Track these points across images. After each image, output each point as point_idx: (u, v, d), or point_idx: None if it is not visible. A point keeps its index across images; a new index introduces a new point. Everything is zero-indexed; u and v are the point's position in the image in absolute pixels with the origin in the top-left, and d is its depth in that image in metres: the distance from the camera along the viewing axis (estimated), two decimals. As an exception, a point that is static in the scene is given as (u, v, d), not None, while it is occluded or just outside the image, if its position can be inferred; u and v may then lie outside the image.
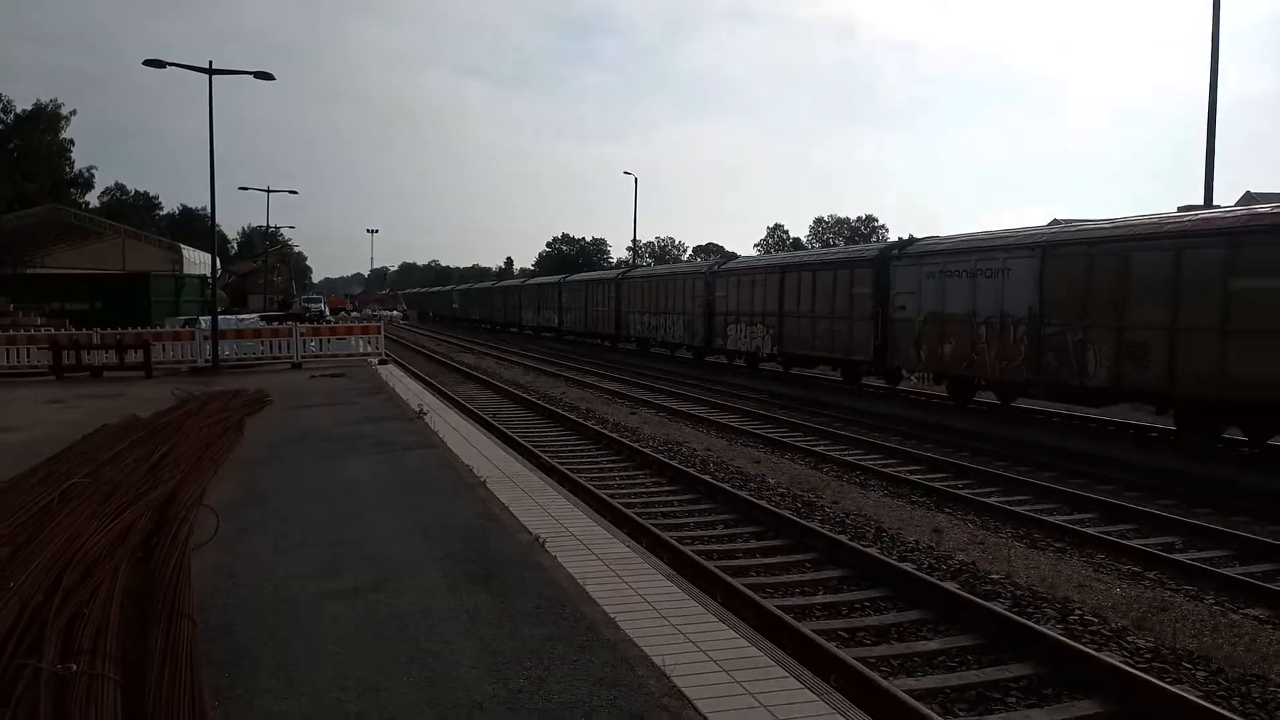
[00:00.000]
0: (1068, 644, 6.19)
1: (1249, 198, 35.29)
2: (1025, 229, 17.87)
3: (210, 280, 30.92)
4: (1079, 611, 7.20)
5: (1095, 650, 6.19)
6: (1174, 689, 5.51)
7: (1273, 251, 12.68)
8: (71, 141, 69.68)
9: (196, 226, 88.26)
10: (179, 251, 55.07)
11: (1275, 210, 13.15)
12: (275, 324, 27.84)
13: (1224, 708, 5.37)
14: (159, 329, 25.52)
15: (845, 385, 23.97)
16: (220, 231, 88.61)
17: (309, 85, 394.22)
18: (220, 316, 25.69)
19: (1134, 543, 9.27)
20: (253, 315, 36.67)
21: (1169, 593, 7.86)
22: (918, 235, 21.69)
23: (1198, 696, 5.50)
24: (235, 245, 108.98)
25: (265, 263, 62.31)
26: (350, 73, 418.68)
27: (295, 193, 67.20)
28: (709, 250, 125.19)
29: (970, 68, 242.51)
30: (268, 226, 69.96)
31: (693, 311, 32.25)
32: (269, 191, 54.08)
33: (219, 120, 22.22)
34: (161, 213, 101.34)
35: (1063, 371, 15.93)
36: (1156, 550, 8.99)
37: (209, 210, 24.07)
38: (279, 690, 4.20)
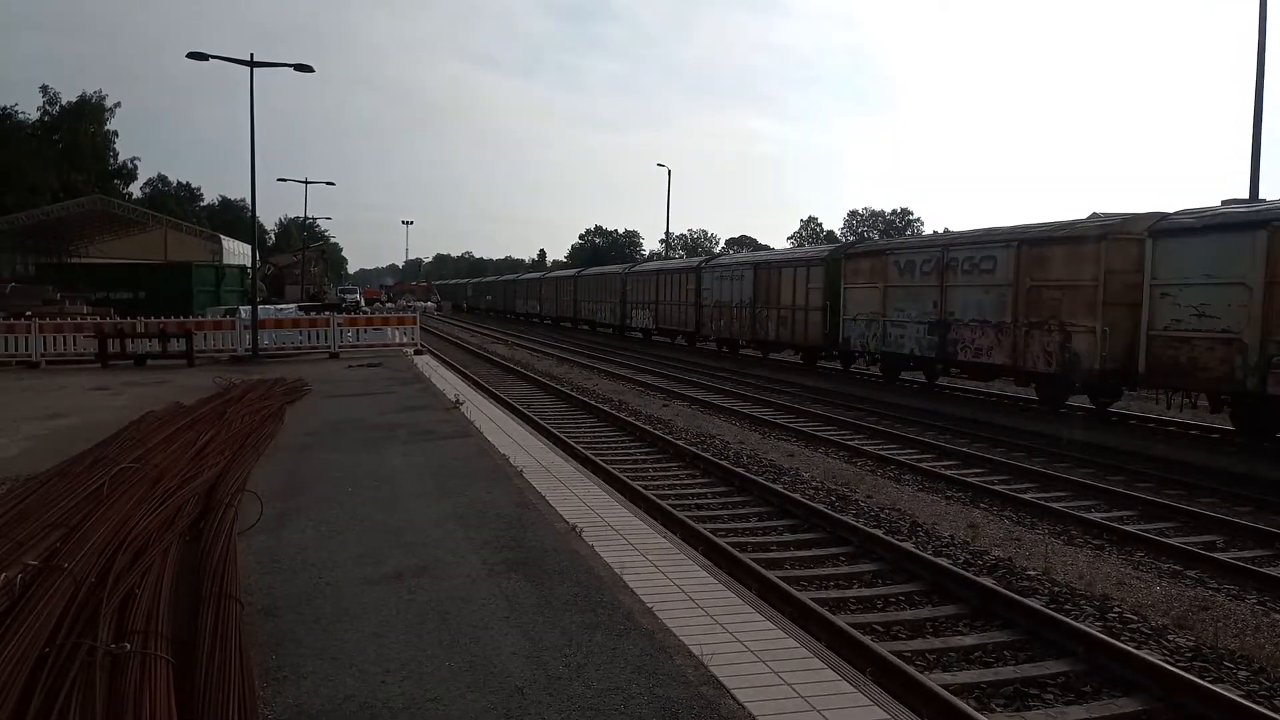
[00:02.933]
0: (1107, 641, 6.15)
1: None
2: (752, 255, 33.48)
3: (250, 270, 31.37)
4: (1118, 609, 7.14)
5: (1135, 648, 6.15)
6: (1215, 688, 5.45)
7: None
8: (115, 133, 70.96)
9: (236, 216, 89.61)
10: (219, 242, 55.98)
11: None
12: (313, 314, 28.18)
13: (1266, 707, 5.31)
14: (201, 318, 25.95)
15: (804, 366, 27.88)
16: (259, 222, 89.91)
17: (339, 76, 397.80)
18: (260, 306, 26.07)
19: (1174, 540, 9.15)
20: (290, 305, 37.14)
21: (1210, 591, 7.76)
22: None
23: (1239, 696, 5.44)
24: (273, 236, 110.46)
25: (304, 255, 63.15)
26: (377, 62, 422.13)
27: (333, 184, 67.54)
28: (741, 243, 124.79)
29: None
30: (305, 218, 71.09)
31: (682, 304, 36.31)
32: (307, 183, 54.54)
33: (261, 111, 22.56)
34: (202, 203, 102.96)
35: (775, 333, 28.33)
36: (1198, 549, 8.87)
37: (249, 201, 24.43)
38: (325, 672, 4.30)
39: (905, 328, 21.23)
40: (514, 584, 5.59)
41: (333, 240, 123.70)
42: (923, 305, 20.59)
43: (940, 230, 24.21)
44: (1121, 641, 6.27)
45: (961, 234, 21.07)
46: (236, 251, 56.48)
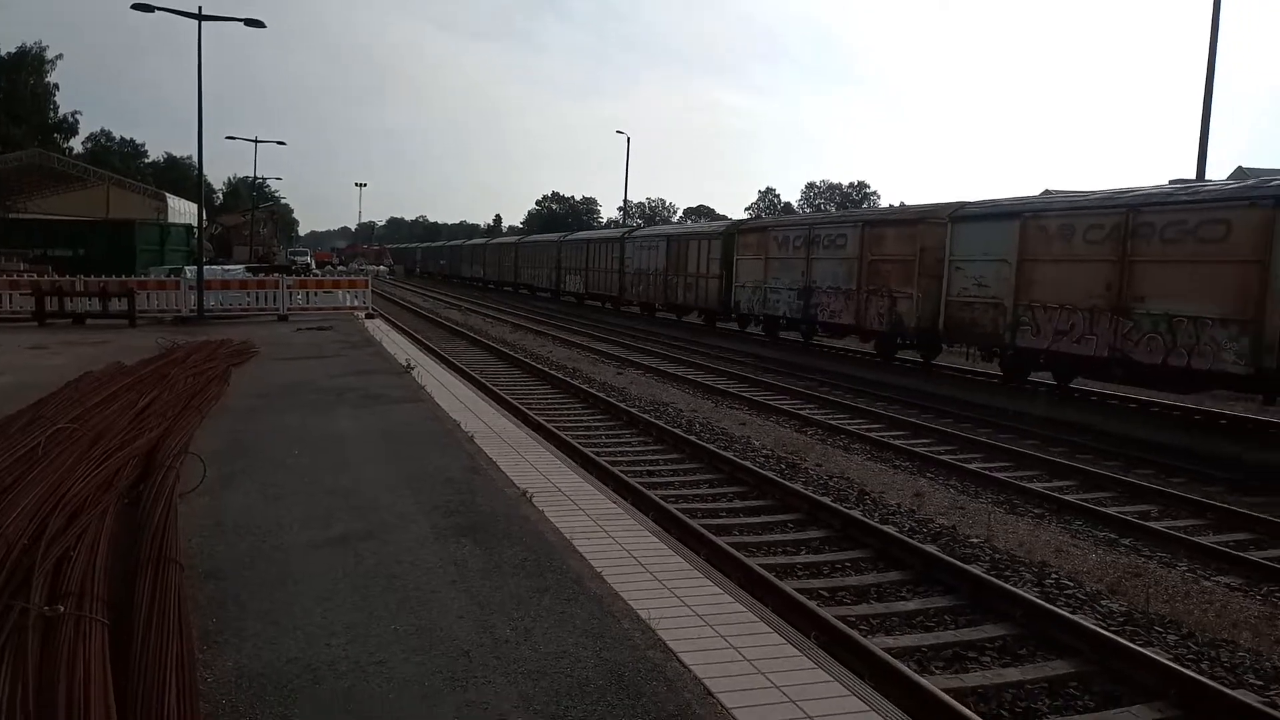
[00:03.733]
0: (1043, 606, 6.32)
1: (1241, 173, 35.34)
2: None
3: (196, 230, 30.59)
4: (1055, 575, 7.34)
5: (1070, 613, 6.32)
6: (1145, 651, 5.63)
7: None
8: (56, 86, 68.29)
9: (182, 175, 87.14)
10: (164, 200, 54.35)
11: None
12: (262, 276, 27.61)
13: (1193, 670, 5.51)
14: (144, 277, 25.26)
15: (706, 327, 30.82)
16: (206, 181, 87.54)
17: (292, 33, 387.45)
18: (206, 267, 25.47)
19: (1111, 510, 9.41)
20: (238, 266, 36.32)
21: (1143, 559, 8.01)
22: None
23: (1168, 659, 5.63)
24: (221, 195, 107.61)
25: (253, 216, 61.69)
26: (331, 20, 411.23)
27: (284, 144, 66.28)
28: (699, 213, 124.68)
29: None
30: (255, 178, 69.29)
31: (609, 270, 38.91)
32: (257, 142, 53.26)
33: (207, 68, 21.85)
34: (147, 160, 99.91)
35: (683, 298, 31.56)
36: (1132, 518, 9.13)
37: (196, 159, 23.75)
38: (268, 635, 4.24)
39: (780, 294, 24.64)
40: (463, 548, 5.56)
41: (283, 201, 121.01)
42: (793, 275, 23.86)
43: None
44: (1057, 607, 6.45)
45: (824, 215, 27.95)
46: (182, 210, 54.88)
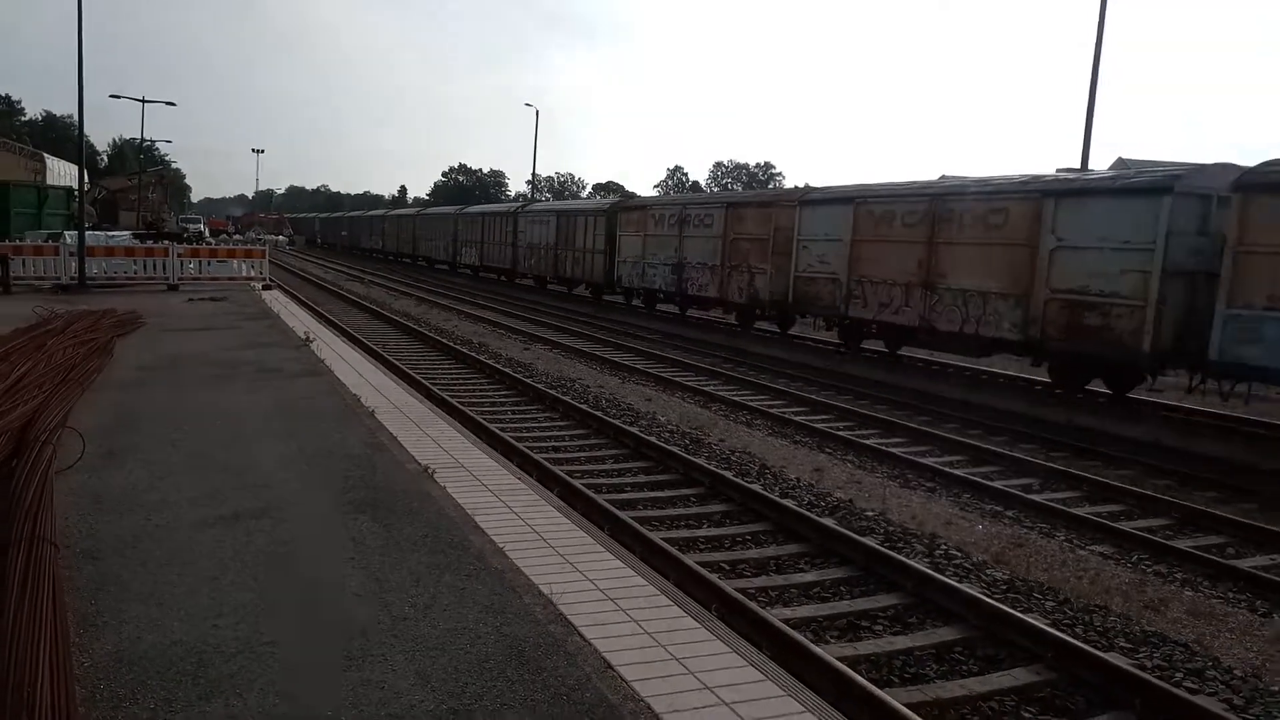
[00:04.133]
0: (932, 575, 6.57)
1: (1121, 163, 37.11)
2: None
3: (77, 193, 28.94)
4: (944, 546, 7.63)
5: (957, 582, 6.59)
6: (1025, 617, 5.92)
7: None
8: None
9: (63, 135, 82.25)
10: (42, 161, 51.19)
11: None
12: (150, 244, 26.32)
13: (1068, 634, 5.81)
14: (19, 242, 23.80)
15: (593, 299, 32.59)
16: (89, 142, 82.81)
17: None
18: (89, 232, 24.15)
19: (997, 484, 9.83)
20: (124, 233, 34.53)
21: (1025, 530, 8.40)
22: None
23: (1045, 624, 5.92)
24: (105, 158, 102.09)
25: (140, 179, 58.61)
26: None
27: (173, 104, 62.82)
28: (609, 189, 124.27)
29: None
30: (142, 139, 65.78)
31: (503, 244, 40.18)
32: (144, 102, 50.40)
33: (90, 21, 20.57)
34: (23, 119, 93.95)
35: (571, 271, 33.10)
36: (1016, 491, 9.56)
37: (77, 118, 22.37)
38: (150, 617, 4.08)
39: (657, 269, 26.56)
40: (361, 525, 5.44)
41: (174, 166, 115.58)
42: (668, 251, 25.80)
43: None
44: (945, 576, 6.71)
45: (695, 196, 31.40)
46: (63, 173, 51.82)
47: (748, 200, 24.16)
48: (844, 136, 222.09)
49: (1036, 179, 15.10)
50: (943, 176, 18.19)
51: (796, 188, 21.16)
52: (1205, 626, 6.37)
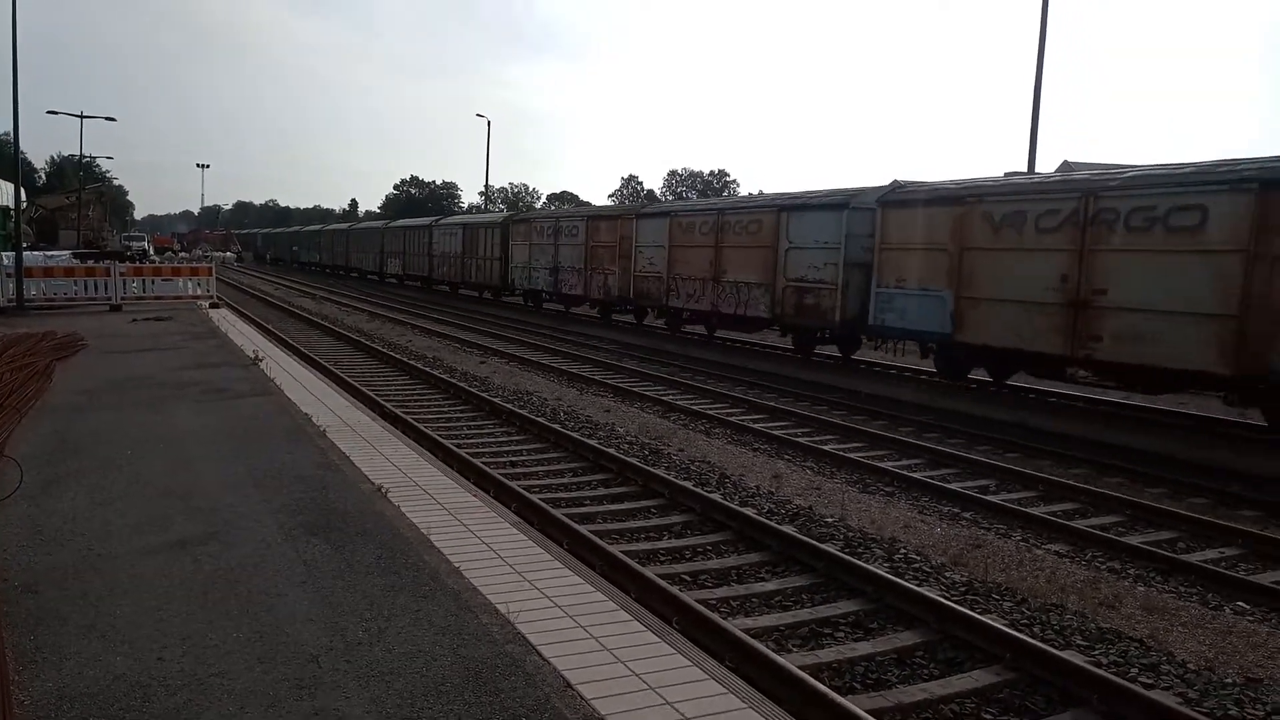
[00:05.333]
0: (892, 580, 6.59)
1: (1066, 166, 37.92)
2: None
3: (13, 211, 28.13)
4: (904, 550, 7.68)
5: (916, 586, 6.62)
6: (984, 619, 5.96)
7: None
8: None
9: (-2, 152, 79.97)
10: (-24, 179, 49.74)
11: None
12: (91, 263, 25.68)
13: (1026, 634, 5.87)
14: (-47, 264, 23.06)
15: (493, 300, 37.13)
16: (26, 159, 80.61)
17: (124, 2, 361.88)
18: (26, 253, 23.49)
19: (954, 486, 9.93)
20: (64, 252, 33.64)
21: (983, 531, 8.49)
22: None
23: (1004, 625, 5.97)
24: (44, 175, 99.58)
25: (80, 197, 57.16)
26: None
27: (114, 119, 61.23)
28: (563, 199, 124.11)
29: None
30: (81, 156, 64.23)
31: (421, 254, 43.81)
32: (83, 117, 49.38)
33: (24, 35, 20.06)
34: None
35: (476, 277, 37.59)
36: (973, 492, 9.66)
37: (12, 135, 21.76)
38: (92, 651, 3.93)
39: (539, 272, 31.17)
40: (313, 548, 5.32)
41: (116, 182, 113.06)
42: (548, 257, 30.36)
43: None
44: (905, 580, 6.74)
45: (566, 210, 36.50)
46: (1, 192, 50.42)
47: (601, 213, 29.38)
48: (799, 142, 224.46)
49: (779, 197, 20.73)
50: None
51: (632, 204, 27.08)
52: (1159, 621, 6.47)
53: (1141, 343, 12.35)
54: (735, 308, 20.68)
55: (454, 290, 41.18)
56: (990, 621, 5.93)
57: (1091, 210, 12.95)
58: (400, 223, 52.86)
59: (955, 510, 9.15)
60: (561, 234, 29.37)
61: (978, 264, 14.78)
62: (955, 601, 6.39)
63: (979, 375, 16.37)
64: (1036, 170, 23.63)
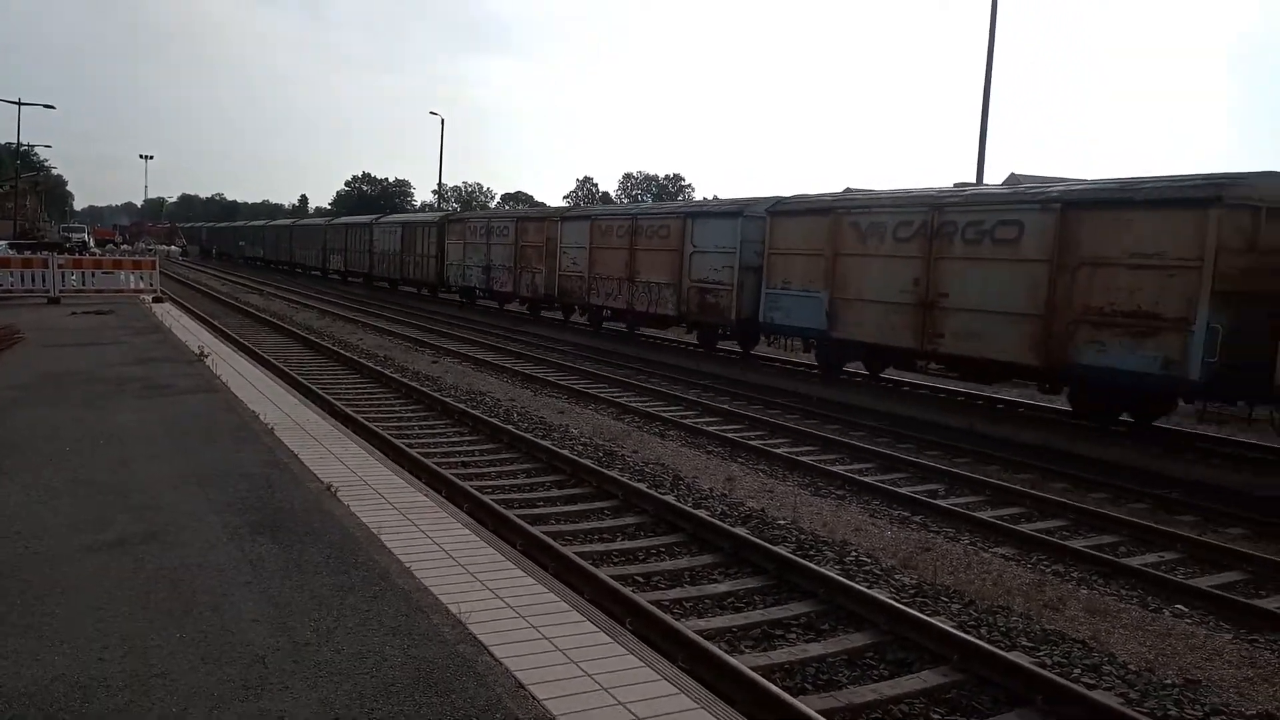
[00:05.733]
0: (843, 583, 6.65)
1: (1014, 178, 38.65)
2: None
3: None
4: (855, 553, 7.75)
5: (867, 588, 6.68)
6: (932, 620, 6.04)
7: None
8: None
9: (-70, 139, 77.31)
10: (-93, 166, 48.04)
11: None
12: (29, 253, 24.93)
13: (973, 635, 5.96)
14: (-119, 253, 22.25)
15: (430, 297, 38.64)
16: (-39, 147, 78.03)
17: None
18: (-40, 242, 22.72)
19: (904, 490, 10.06)
20: (0, 243, 32.63)
21: (932, 534, 8.61)
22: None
23: (951, 626, 6.06)
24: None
25: (16, 187, 55.47)
26: None
27: (53, 107, 59.30)
28: (517, 199, 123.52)
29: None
30: (19, 144, 62.34)
31: (363, 251, 44.99)
32: (20, 104, 48.00)
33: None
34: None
35: (413, 273, 39.07)
36: (923, 497, 9.80)
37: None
38: (30, 650, 3.79)
39: (473, 270, 32.62)
40: (259, 547, 5.20)
41: (55, 172, 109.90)
42: (480, 256, 31.85)
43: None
44: (856, 582, 6.80)
45: (497, 212, 39.14)
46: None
47: (529, 216, 31.37)
48: (757, 147, 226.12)
49: (685, 205, 23.65)
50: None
51: (558, 207, 29.75)
52: (1101, 623, 6.62)
53: (975, 339, 14.19)
54: (648, 306, 22.62)
55: (394, 287, 42.49)
56: (939, 623, 6.01)
57: (937, 223, 14.73)
58: (342, 220, 54.06)
59: (905, 514, 9.25)
60: (494, 234, 30.93)
61: (848, 268, 16.57)
62: (905, 603, 6.46)
63: (855, 368, 18.19)
64: (985, 181, 24.11)
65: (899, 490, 9.99)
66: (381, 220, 44.79)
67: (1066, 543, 8.45)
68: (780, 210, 18.56)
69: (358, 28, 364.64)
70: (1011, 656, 5.59)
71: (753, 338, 21.17)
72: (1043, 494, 10.10)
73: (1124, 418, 13.81)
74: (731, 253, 19.57)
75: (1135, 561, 8.10)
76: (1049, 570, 7.80)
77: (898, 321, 15.43)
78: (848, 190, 18.20)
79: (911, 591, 6.96)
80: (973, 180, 23.23)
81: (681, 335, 24.29)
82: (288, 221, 70.13)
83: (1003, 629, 6.34)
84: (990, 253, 13.93)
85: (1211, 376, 11.31)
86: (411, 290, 40.66)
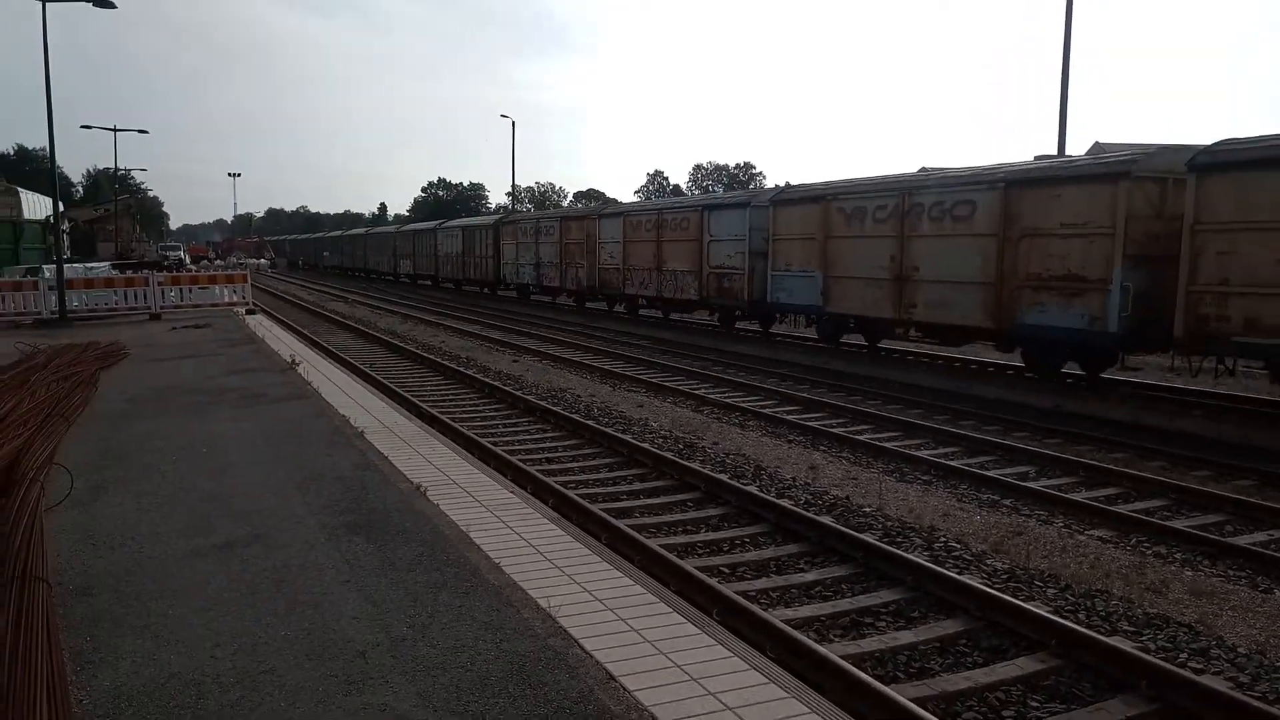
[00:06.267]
0: (932, 569, 6.55)
1: (1098, 147, 37.30)
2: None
3: (54, 224, 28.69)
4: (943, 539, 7.62)
5: (957, 574, 6.57)
6: (1027, 605, 5.90)
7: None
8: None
9: (36, 168, 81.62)
10: (15, 195, 50.74)
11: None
12: (129, 273, 26.15)
13: (1072, 620, 5.80)
14: (-3, 279, 23.62)
15: (489, 294, 41.33)
16: (63, 174, 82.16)
17: (147, 17, 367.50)
18: (67, 265, 23.98)
19: (993, 473, 9.83)
20: (104, 264, 34.30)
21: (1023, 518, 8.40)
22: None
23: (1048, 611, 5.91)
24: (80, 189, 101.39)
25: (115, 209, 58.12)
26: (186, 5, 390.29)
27: (145, 132, 61.56)
28: (589, 196, 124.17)
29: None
30: (116, 169, 65.27)
31: (429, 255, 48.70)
32: (115, 130, 50.16)
33: (56, 53, 20.47)
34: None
35: (474, 274, 42.50)
36: (1012, 479, 9.56)
37: (49, 150, 22.20)
38: (147, 650, 4.02)
39: (525, 268, 36.00)
40: (355, 547, 5.39)
41: (151, 194, 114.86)
42: (530, 254, 35.04)
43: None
44: (945, 568, 6.69)
45: (544, 213, 40.77)
46: (38, 206, 51.43)
47: (571, 215, 34.06)
48: (827, 131, 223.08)
49: (702, 198, 27.48)
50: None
51: (594, 206, 31.24)
52: (1208, 606, 6.37)
53: (942, 307, 16.07)
54: (674, 292, 25.09)
55: (458, 287, 45.46)
56: (1034, 608, 5.87)
57: (907, 205, 16.61)
58: (410, 227, 58.01)
59: (995, 497, 9.05)
60: (541, 234, 33.64)
61: (838, 249, 18.61)
62: (998, 589, 6.33)
63: (854, 340, 19.70)
64: (1066, 153, 23.31)
65: (987, 473, 9.77)
66: (444, 225, 47.60)
67: (1168, 523, 8.16)
68: (781, 199, 20.63)
69: (415, 36, 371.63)
70: (1112, 641, 5.43)
71: (769, 317, 23.09)
72: (1140, 473, 9.76)
73: (1077, 372, 15.22)
74: (741, 240, 21.91)
75: (1243, 540, 7.77)
76: (1150, 552, 7.55)
77: (879, 295, 17.45)
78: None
79: (1004, 577, 6.81)
80: (1053, 153, 22.47)
81: (704, 317, 26.97)
82: (361, 231, 74.93)
83: (1102, 613, 6.16)
84: (951, 229, 15.70)
85: (1127, 330, 13.01)
86: (475, 290, 43.18)
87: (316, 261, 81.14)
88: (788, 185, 20.73)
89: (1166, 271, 12.34)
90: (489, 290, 41.14)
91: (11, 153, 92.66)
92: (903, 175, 17.69)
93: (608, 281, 28.77)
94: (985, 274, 14.88)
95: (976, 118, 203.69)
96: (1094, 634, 5.50)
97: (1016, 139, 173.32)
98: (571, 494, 8.56)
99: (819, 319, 19.98)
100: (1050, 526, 8.16)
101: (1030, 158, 16.52)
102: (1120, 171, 12.83)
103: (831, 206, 18.60)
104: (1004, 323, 14.69)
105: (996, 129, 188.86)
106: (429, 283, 50.13)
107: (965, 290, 15.38)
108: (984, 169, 15.49)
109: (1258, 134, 11.75)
